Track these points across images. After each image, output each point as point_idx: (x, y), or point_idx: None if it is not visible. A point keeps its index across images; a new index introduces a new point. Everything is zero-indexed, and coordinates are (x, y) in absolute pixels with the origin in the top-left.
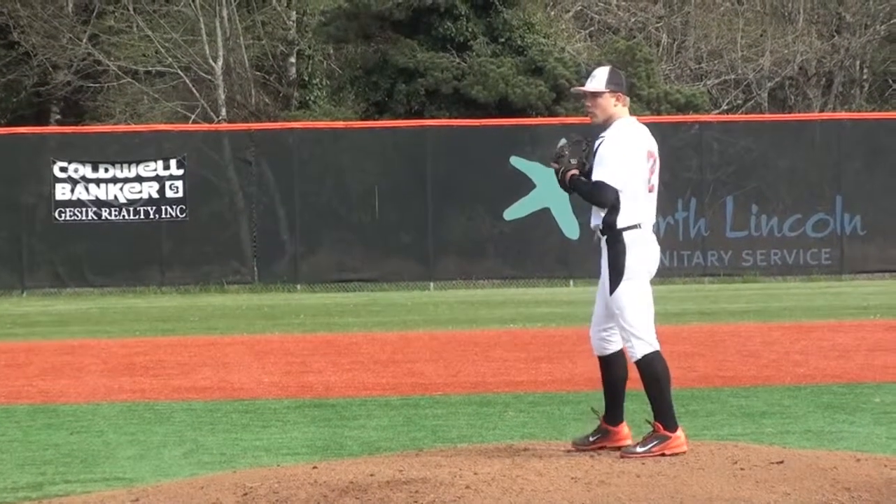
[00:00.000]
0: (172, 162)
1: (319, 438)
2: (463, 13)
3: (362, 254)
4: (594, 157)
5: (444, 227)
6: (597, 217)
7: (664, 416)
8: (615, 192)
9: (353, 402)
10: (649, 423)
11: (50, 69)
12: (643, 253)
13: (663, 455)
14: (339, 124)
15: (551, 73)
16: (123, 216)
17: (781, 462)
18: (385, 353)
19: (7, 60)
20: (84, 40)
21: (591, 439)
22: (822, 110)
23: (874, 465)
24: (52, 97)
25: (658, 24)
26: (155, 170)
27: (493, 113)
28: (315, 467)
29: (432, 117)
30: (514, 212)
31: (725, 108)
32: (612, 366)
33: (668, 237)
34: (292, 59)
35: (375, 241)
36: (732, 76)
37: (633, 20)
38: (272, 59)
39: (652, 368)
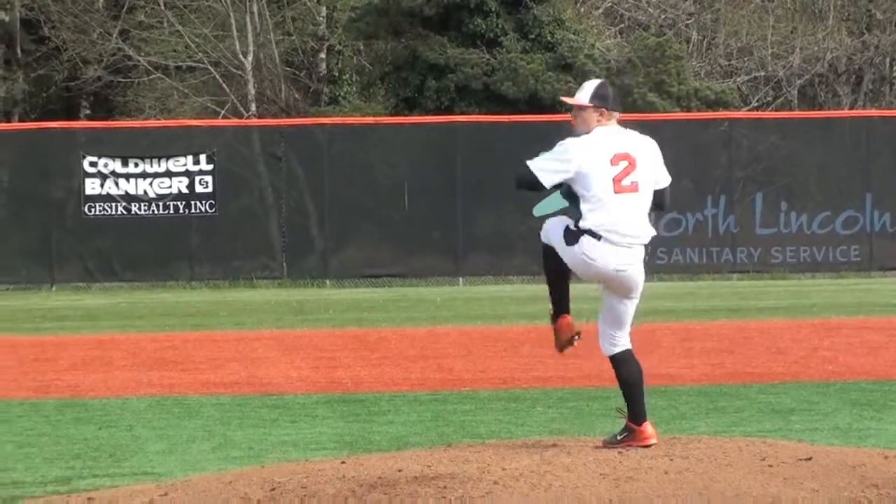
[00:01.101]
0: (202, 157)
1: (348, 433)
2: (493, 9)
3: (391, 249)
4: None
5: (473, 222)
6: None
7: (635, 413)
8: (531, 174)
9: (382, 398)
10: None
11: (80, 64)
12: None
13: (636, 447)
14: (369, 120)
15: (581, 69)
16: (153, 211)
17: (809, 459)
18: (414, 348)
19: (37, 55)
20: (114, 35)
21: (618, 438)
22: (851, 107)
23: None
24: (82, 92)
25: (688, 21)
26: (185, 165)
27: (523, 109)
28: (343, 462)
29: (462, 113)
30: (542, 208)
31: (755, 105)
32: (621, 365)
33: (697, 234)
34: (322, 55)
35: (405, 237)
36: (762, 73)
37: (663, 17)
38: (302, 55)
39: (628, 367)
